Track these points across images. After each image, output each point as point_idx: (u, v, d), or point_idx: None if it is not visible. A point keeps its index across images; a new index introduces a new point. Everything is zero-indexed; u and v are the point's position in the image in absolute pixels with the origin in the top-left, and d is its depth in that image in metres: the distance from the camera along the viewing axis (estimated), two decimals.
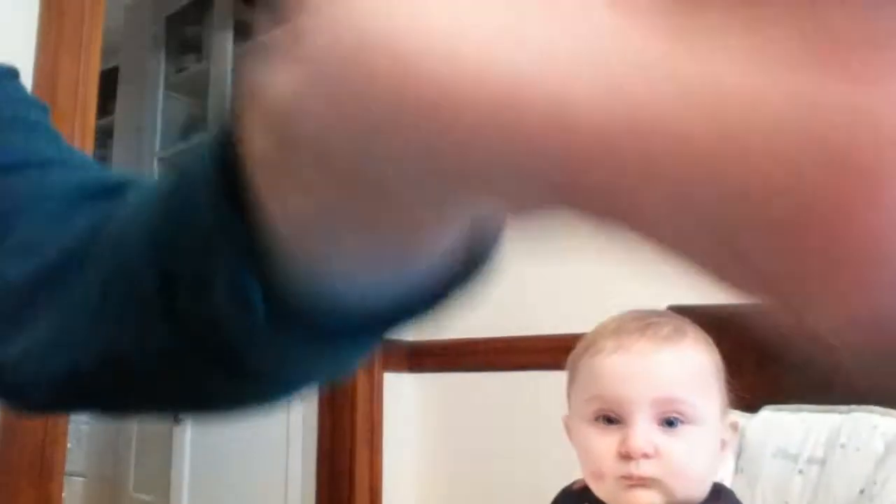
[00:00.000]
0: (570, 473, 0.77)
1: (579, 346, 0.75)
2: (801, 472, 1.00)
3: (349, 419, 1.78)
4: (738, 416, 0.84)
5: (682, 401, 0.68)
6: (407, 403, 1.93)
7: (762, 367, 1.12)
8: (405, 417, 1.92)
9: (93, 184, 0.35)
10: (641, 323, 0.72)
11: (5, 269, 0.32)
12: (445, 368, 1.89)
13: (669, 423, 0.68)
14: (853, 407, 1.01)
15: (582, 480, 0.73)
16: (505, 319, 1.82)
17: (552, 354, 1.69)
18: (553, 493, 0.79)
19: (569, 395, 0.77)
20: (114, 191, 0.32)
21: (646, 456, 0.66)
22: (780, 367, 1.14)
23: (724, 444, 0.72)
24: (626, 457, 0.66)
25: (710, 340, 0.73)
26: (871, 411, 0.99)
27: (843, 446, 0.99)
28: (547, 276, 1.79)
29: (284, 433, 2.00)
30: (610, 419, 0.69)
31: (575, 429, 0.73)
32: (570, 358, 0.77)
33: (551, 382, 1.68)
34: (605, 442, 0.68)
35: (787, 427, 1.04)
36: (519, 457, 1.73)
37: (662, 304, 1.16)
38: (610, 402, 0.69)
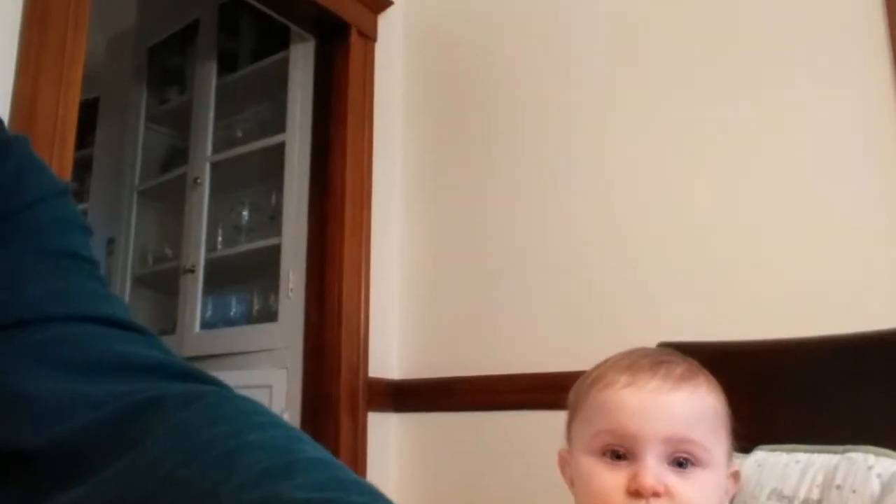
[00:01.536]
0: None
1: (585, 381, 0.74)
2: None
3: None
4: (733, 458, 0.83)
5: (695, 442, 0.67)
6: (391, 443, 1.89)
7: (756, 406, 1.10)
8: (390, 457, 1.87)
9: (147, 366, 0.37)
10: (654, 360, 0.71)
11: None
12: (430, 408, 1.86)
13: (679, 463, 0.67)
14: (848, 447, 0.99)
15: None
16: (489, 358, 1.80)
17: (535, 393, 1.68)
18: None
19: (570, 429, 0.75)
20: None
21: (656, 495, 0.64)
22: (774, 405, 1.12)
23: (726, 492, 0.70)
24: (635, 494, 0.65)
25: (718, 384, 0.72)
26: (867, 451, 0.98)
27: (838, 487, 0.97)
28: (530, 315, 1.78)
29: None
30: (618, 454, 0.67)
31: (578, 462, 0.71)
32: (575, 392, 0.75)
33: (535, 421, 1.66)
34: (613, 477, 0.66)
35: (782, 468, 1.02)
36: (503, 495, 1.69)
37: (651, 342, 1.14)
38: (621, 437, 0.67)
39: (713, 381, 0.72)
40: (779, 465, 1.03)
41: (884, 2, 1.46)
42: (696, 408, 0.68)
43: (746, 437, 0.94)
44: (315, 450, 0.32)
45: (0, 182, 0.41)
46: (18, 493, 0.33)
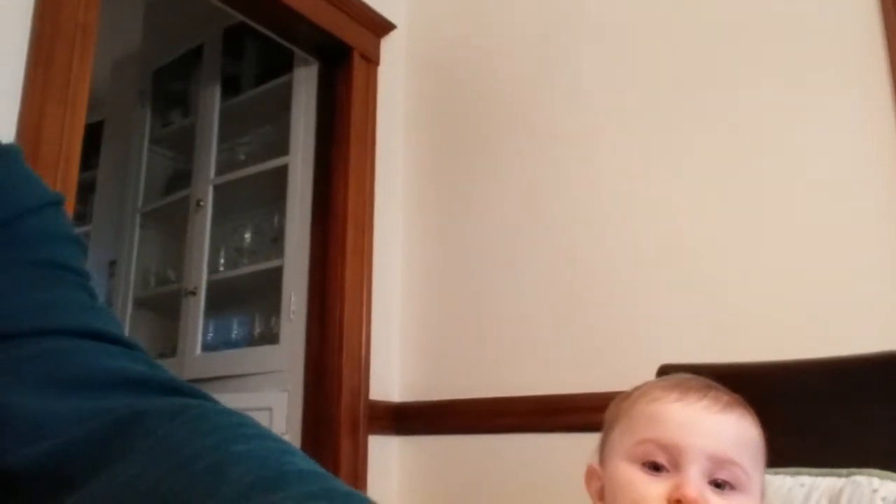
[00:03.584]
0: None
1: (626, 398, 0.75)
2: None
3: None
4: None
5: (738, 464, 0.67)
6: (392, 466, 1.87)
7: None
8: (390, 480, 1.86)
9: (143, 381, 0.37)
10: (702, 384, 0.72)
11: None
12: (431, 431, 1.85)
13: (717, 485, 0.67)
14: (853, 470, 0.98)
15: None
16: (490, 381, 1.79)
17: (536, 416, 1.67)
18: None
19: (604, 443, 0.75)
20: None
21: None
22: (777, 427, 1.12)
23: None
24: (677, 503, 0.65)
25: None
26: (872, 474, 0.97)
27: None
28: (531, 338, 1.77)
29: None
30: (657, 466, 0.68)
31: (615, 470, 0.71)
32: (615, 407, 0.76)
33: (536, 444, 1.65)
34: (654, 486, 0.67)
35: (787, 491, 1.01)
36: None
37: (651, 365, 1.14)
38: (666, 448, 0.67)
39: (755, 415, 0.73)
40: (783, 488, 1.02)
41: (882, 23, 1.47)
42: (743, 433, 0.69)
43: None
44: (305, 462, 0.32)
45: None
46: None
